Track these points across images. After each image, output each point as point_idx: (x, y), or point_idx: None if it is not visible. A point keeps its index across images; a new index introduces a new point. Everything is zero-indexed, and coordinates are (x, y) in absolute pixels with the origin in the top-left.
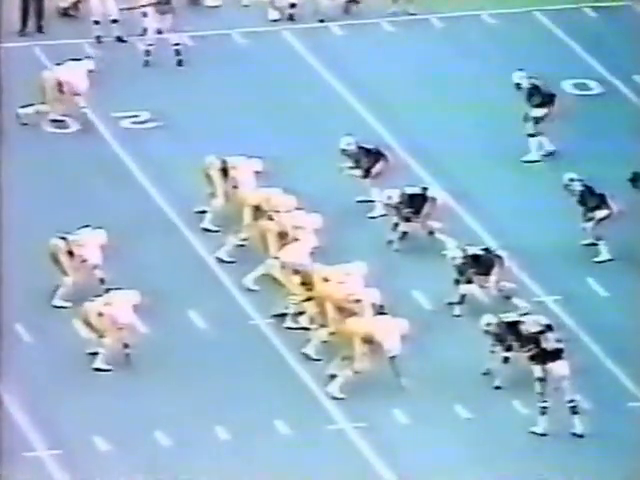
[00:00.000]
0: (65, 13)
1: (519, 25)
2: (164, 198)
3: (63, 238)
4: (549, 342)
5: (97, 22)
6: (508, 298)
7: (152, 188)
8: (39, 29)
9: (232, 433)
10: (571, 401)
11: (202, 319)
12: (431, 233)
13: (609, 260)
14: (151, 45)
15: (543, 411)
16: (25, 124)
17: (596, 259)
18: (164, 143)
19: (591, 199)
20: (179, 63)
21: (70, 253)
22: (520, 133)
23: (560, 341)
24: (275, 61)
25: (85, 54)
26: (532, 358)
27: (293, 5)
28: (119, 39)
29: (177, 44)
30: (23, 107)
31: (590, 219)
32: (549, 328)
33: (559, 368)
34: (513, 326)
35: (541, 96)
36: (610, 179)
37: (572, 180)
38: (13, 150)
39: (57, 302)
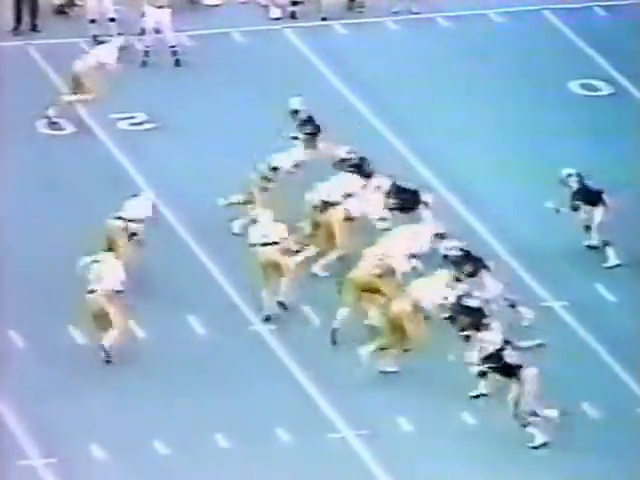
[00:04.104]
0: (60, 11)
1: (527, 24)
2: (162, 201)
3: (119, 218)
4: (511, 357)
5: (93, 21)
6: (513, 306)
7: (150, 191)
8: (33, 27)
9: (232, 441)
10: (532, 414)
11: (201, 324)
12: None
13: (617, 265)
14: (148, 46)
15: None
16: (54, 123)
17: (605, 264)
18: (162, 145)
19: (586, 195)
20: (177, 63)
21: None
22: (527, 133)
23: (525, 349)
24: (276, 61)
25: (80, 53)
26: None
27: (295, 3)
28: None
29: (173, 46)
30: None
31: (582, 212)
32: (507, 343)
33: (526, 378)
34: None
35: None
36: (619, 181)
37: (569, 175)
38: (6, 152)
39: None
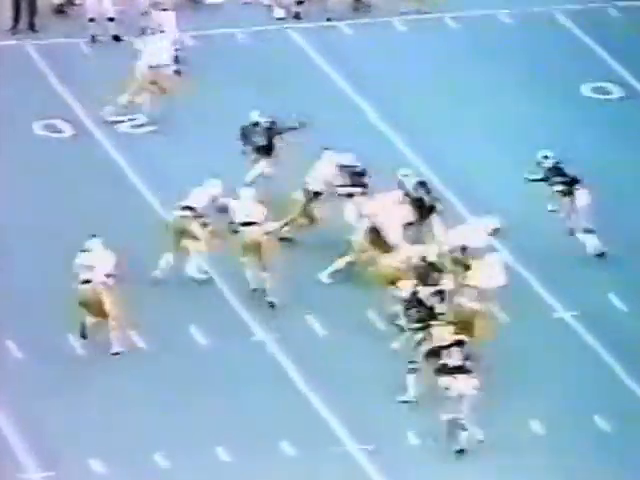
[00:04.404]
0: (59, 10)
1: (538, 25)
2: (163, 206)
3: (189, 208)
4: (452, 358)
5: (92, 20)
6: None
7: (150, 195)
8: (32, 27)
9: (234, 455)
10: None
11: (203, 334)
12: None
13: (602, 254)
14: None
15: (462, 426)
16: (113, 122)
17: (585, 253)
18: (162, 148)
19: (558, 179)
20: (176, 73)
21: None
22: (538, 137)
23: (469, 359)
24: (281, 62)
25: (80, 53)
26: (437, 371)
27: (300, 2)
28: (115, 38)
29: (177, 49)
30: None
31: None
32: (458, 344)
33: (460, 384)
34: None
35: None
36: (631, 186)
37: (546, 157)
38: (2, 154)
39: (196, 275)
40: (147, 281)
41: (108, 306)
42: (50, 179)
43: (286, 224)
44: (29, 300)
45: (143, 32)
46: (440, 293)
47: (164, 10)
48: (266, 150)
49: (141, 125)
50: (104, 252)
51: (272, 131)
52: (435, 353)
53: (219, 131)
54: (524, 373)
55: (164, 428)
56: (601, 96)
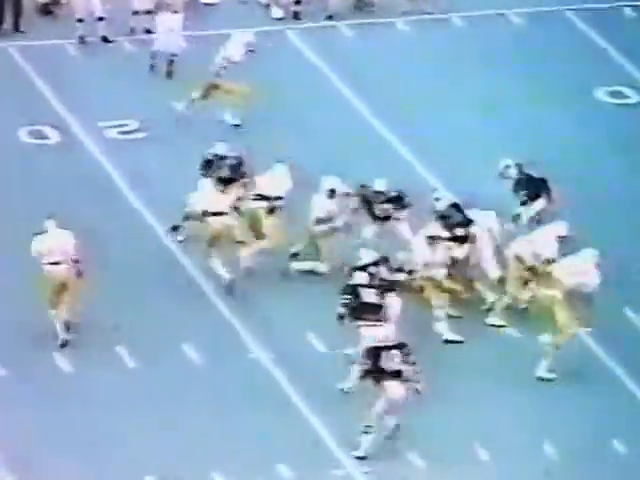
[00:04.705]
0: (45, 10)
1: (549, 26)
2: (154, 216)
3: (263, 197)
4: (389, 361)
5: (81, 20)
6: None
7: (141, 205)
8: (16, 28)
9: (229, 478)
10: (395, 426)
11: (196, 352)
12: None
13: None
14: (157, 52)
15: (367, 431)
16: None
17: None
18: (154, 155)
19: (528, 187)
20: (169, 75)
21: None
22: (549, 144)
23: (407, 363)
24: (278, 64)
25: (67, 55)
26: (366, 373)
27: (298, 2)
28: (105, 39)
29: (174, 55)
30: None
31: (526, 208)
32: (397, 347)
33: (394, 390)
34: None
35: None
36: None
37: (507, 167)
38: None
39: (245, 263)
40: (138, 292)
41: (72, 288)
42: (36, 188)
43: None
44: (14, 319)
45: (132, 32)
46: None
47: (175, 12)
48: (227, 182)
49: (132, 131)
50: (62, 233)
51: (237, 167)
52: (375, 353)
53: (214, 137)
54: (533, 390)
55: (156, 451)
56: (616, 101)
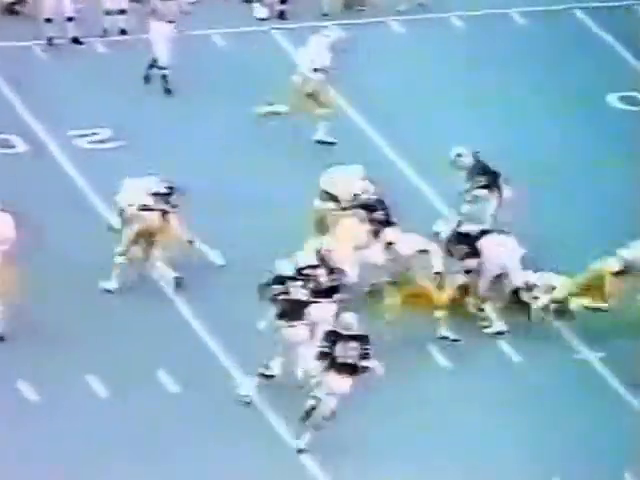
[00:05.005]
0: (10, 10)
1: (555, 26)
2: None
3: (332, 199)
4: (343, 352)
5: (49, 20)
6: None
7: (114, 218)
8: None
9: None
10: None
11: (174, 381)
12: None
13: None
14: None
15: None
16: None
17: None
18: (128, 166)
19: (486, 173)
20: (167, 92)
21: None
22: (558, 153)
23: (365, 357)
24: (262, 68)
25: (34, 58)
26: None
27: (284, 1)
28: (75, 41)
29: (164, 68)
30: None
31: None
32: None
33: (339, 383)
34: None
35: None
36: None
37: (459, 155)
38: None
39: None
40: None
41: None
42: (1, 199)
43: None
44: None
45: (105, 33)
46: None
47: (170, 22)
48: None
49: (103, 141)
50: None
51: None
52: (333, 339)
53: (193, 149)
54: (539, 417)
55: None
56: (630, 107)
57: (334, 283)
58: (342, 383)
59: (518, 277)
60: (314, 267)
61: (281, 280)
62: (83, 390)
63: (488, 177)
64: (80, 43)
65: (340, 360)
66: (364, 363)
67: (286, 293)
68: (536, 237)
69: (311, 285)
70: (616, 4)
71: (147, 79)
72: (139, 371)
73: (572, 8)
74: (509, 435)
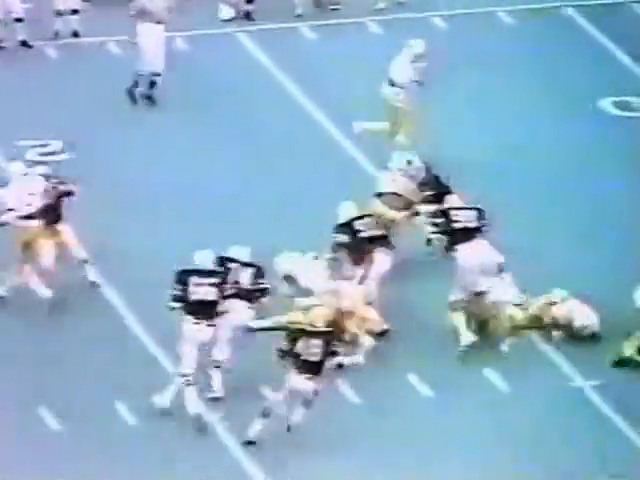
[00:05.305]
0: None
1: (545, 25)
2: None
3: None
4: (305, 350)
5: None
6: None
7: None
8: None
9: None
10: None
11: (132, 412)
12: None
13: None
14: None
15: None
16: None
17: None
18: (80, 181)
19: (436, 188)
20: (150, 100)
21: None
22: (549, 160)
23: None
24: (228, 72)
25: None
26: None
27: (251, 1)
28: (24, 44)
29: (157, 74)
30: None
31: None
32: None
33: (300, 383)
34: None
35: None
36: None
37: (409, 162)
38: None
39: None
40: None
41: None
42: None
43: None
44: None
45: (56, 35)
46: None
47: (159, 23)
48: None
49: (55, 152)
50: None
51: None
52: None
53: (151, 162)
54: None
55: None
56: (624, 113)
57: (258, 287)
58: (303, 384)
59: (484, 282)
60: (245, 265)
61: (186, 277)
62: None
63: (436, 191)
64: (29, 46)
65: (303, 358)
66: (332, 361)
67: (184, 291)
68: (524, 242)
69: (229, 284)
70: (609, 2)
71: (132, 97)
72: (94, 401)
73: (562, 6)
74: (498, 464)
